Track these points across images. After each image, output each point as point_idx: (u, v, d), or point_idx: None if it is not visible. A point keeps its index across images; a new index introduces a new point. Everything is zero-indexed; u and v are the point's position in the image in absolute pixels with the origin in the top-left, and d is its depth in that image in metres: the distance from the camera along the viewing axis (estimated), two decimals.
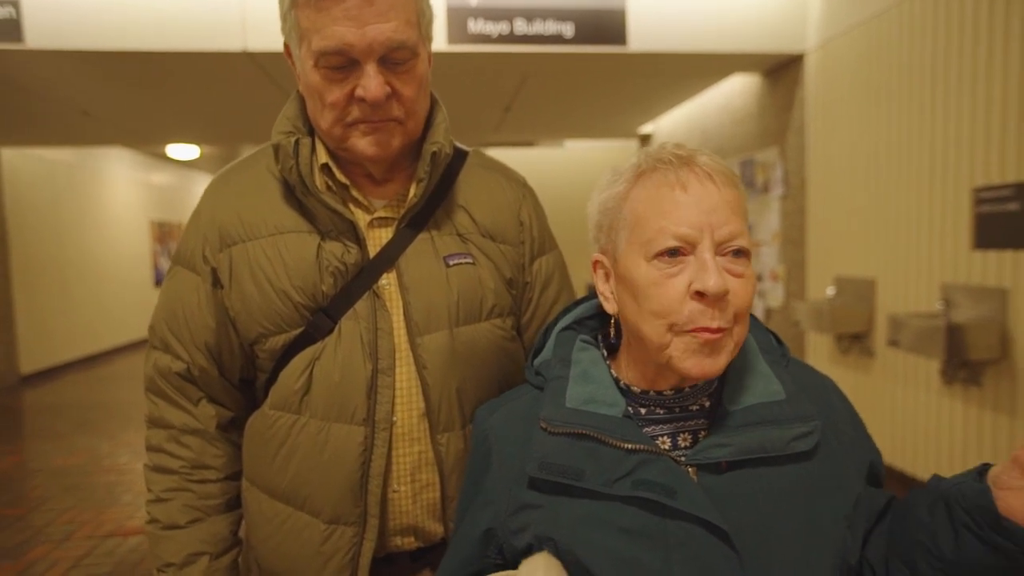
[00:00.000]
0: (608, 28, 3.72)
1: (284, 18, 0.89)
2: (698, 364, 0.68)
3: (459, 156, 1.03)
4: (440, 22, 3.59)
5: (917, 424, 3.13)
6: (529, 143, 8.28)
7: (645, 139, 6.87)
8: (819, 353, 3.95)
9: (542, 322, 1.06)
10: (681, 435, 0.75)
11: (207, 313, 0.96)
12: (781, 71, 4.23)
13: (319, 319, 0.93)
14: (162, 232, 10.89)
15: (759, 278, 4.61)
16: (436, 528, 0.98)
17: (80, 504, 3.68)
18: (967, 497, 0.66)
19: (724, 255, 0.69)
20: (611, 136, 7.11)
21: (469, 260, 0.97)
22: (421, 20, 0.89)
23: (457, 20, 3.61)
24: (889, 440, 3.27)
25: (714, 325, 0.67)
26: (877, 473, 0.81)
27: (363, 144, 0.89)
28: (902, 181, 3.16)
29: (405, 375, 0.94)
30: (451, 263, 0.96)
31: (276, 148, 0.92)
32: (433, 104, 0.98)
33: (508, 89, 4.79)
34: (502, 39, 3.66)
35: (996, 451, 2.69)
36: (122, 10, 3.42)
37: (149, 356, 1.00)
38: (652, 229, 0.69)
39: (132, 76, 4.13)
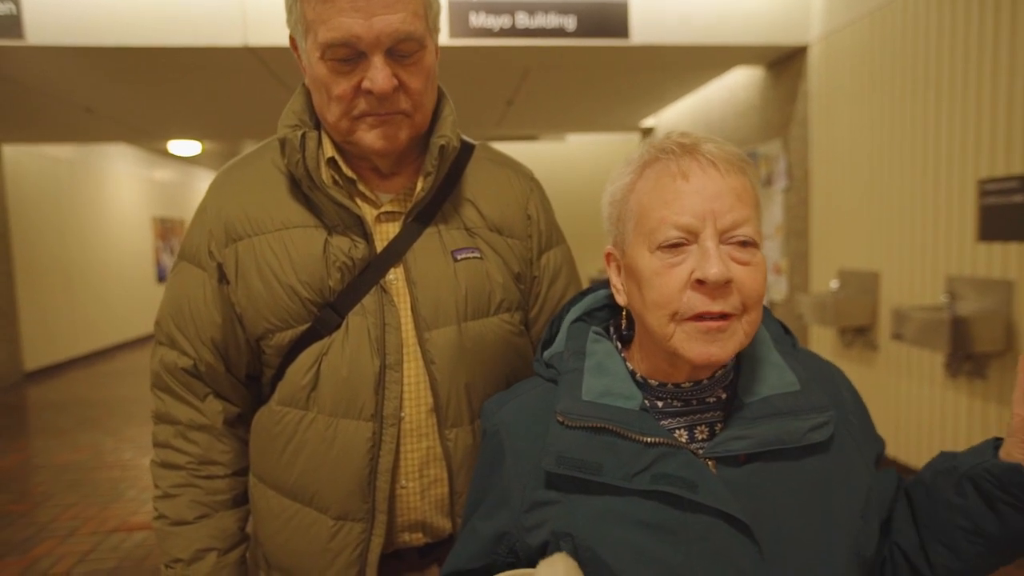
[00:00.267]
0: (610, 21, 3.70)
1: (290, 10, 0.88)
2: (703, 351, 0.68)
3: (466, 150, 1.02)
4: (442, 16, 3.57)
5: (921, 417, 3.13)
6: (532, 137, 8.26)
7: (648, 132, 6.85)
8: (823, 346, 3.95)
9: (550, 316, 1.05)
10: (698, 428, 0.75)
11: (213, 309, 0.95)
12: (784, 63, 4.20)
13: (326, 314, 0.92)
14: (164, 228, 10.89)
15: None
16: (444, 524, 0.98)
17: (84, 500, 3.69)
18: (997, 476, 0.67)
19: (729, 243, 0.68)
20: (614, 130, 7.09)
21: (477, 254, 0.97)
22: (428, 12, 0.88)
23: (459, 14, 3.59)
24: (893, 434, 3.27)
25: (715, 309, 0.67)
26: (878, 463, 0.82)
27: (370, 137, 0.89)
28: (906, 173, 3.15)
29: (413, 370, 0.94)
30: (459, 257, 0.95)
31: (282, 142, 0.92)
32: (440, 97, 0.97)
33: (510, 83, 4.77)
34: (504, 33, 3.64)
35: None
36: (123, 6, 3.41)
37: (155, 352, 1.00)
38: (655, 219, 0.69)
39: (133, 72, 4.11)
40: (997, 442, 0.71)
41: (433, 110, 0.95)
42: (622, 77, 4.74)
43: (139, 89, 4.60)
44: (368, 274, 0.93)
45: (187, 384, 0.98)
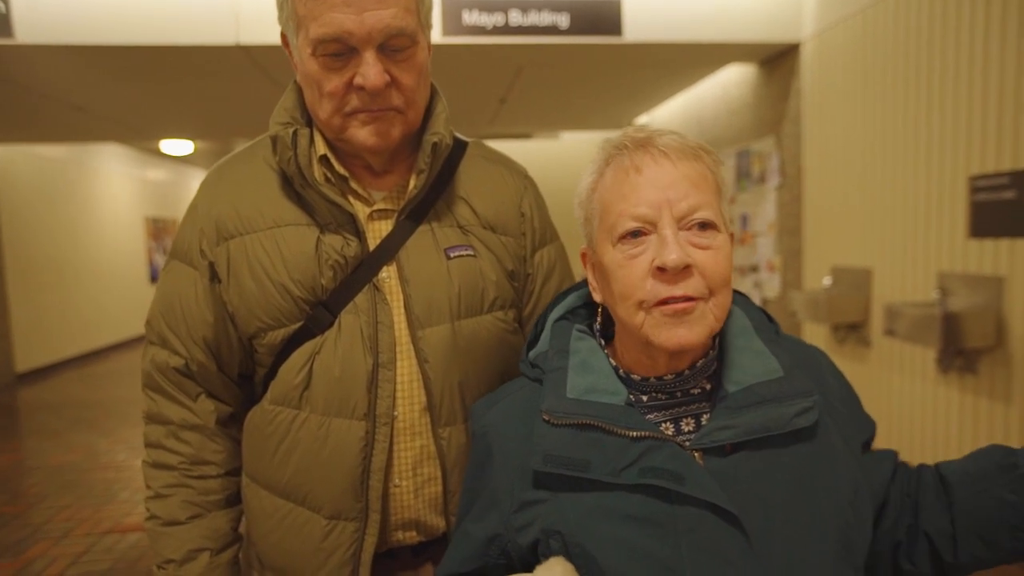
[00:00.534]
0: (603, 19, 3.70)
1: (281, 6, 0.88)
2: (671, 335, 0.69)
3: (459, 147, 1.02)
4: (435, 14, 3.56)
5: (913, 413, 3.15)
6: (525, 135, 8.25)
7: None
8: (816, 343, 3.95)
9: None
10: (684, 420, 0.75)
11: (205, 308, 0.95)
12: (777, 61, 4.21)
13: (319, 313, 0.92)
14: (157, 228, 10.83)
15: (755, 269, 4.62)
16: (438, 522, 0.98)
17: (78, 501, 3.67)
18: None
19: (688, 229, 0.70)
20: (607, 127, 7.08)
21: (470, 252, 0.96)
22: (420, 7, 0.88)
23: (452, 11, 3.59)
24: (886, 429, 3.29)
25: (678, 293, 0.68)
26: (869, 445, 0.82)
27: (363, 134, 0.88)
28: (898, 170, 3.16)
29: (406, 369, 0.94)
30: (452, 255, 0.95)
31: (274, 139, 0.91)
32: (433, 94, 0.97)
33: (503, 81, 4.77)
34: (497, 31, 3.64)
35: (992, 439, 2.70)
36: (114, 4, 3.39)
37: (146, 352, 0.99)
38: (614, 214, 0.72)
39: (125, 71, 4.09)
40: None
41: (426, 107, 0.95)
42: (615, 75, 4.74)
43: (131, 88, 4.57)
44: (361, 272, 0.92)
45: (179, 384, 0.97)
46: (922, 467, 0.83)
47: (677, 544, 0.67)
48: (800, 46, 3.96)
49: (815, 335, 3.98)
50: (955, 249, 2.83)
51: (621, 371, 0.78)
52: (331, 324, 0.92)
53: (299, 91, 0.94)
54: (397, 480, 0.95)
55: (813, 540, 0.69)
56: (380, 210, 0.96)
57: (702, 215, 0.70)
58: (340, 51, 0.83)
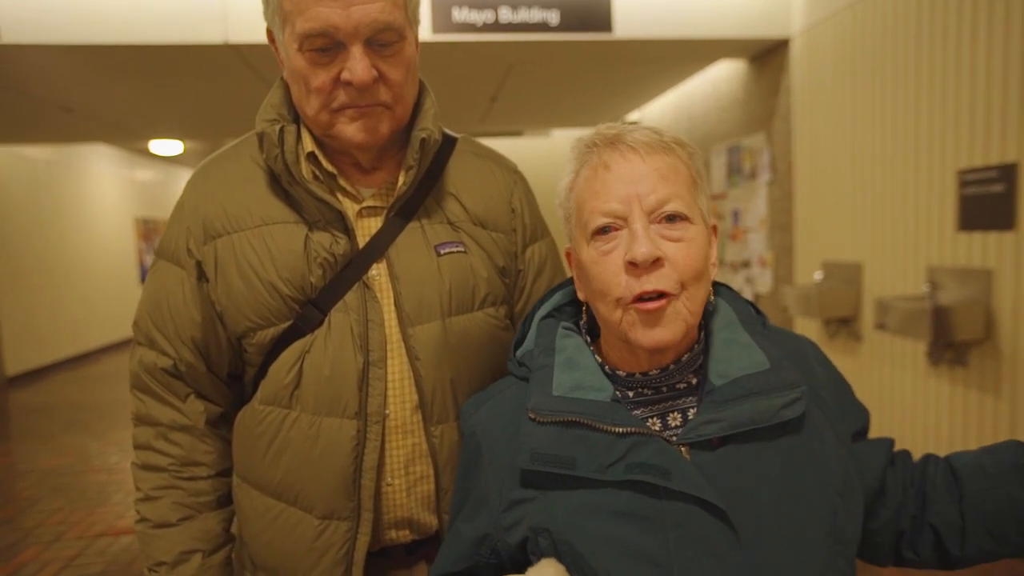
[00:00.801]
0: (593, 15, 3.70)
1: (266, 2, 0.87)
2: (647, 335, 0.69)
3: (448, 143, 1.02)
4: (425, 11, 3.55)
5: (904, 405, 3.17)
6: (516, 133, 8.24)
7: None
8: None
9: None
10: (671, 415, 0.75)
11: (193, 307, 0.94)
12: (767, 56, 4.22)
13: (308, 311, 0.91)
14: (147, 229, 10.76)
15: (746, 264, 4.63)
16: (431, 520, 0.97)
17: (70, 504, 3.65)
18: None
19: (659, 222, 0.70)
20: (598, 125, 7.07)
21: (461, 249, 0.96)
22: (408, 2, 0.87)
23: (442, 9, 3.57)
24: (877, 421, 3.30)
25: (649, 288, 0.68)
26: (864, 434, 0.83)
27: (350, 130, 0.87)
28: (887, 164, 3.18)
29: (397, 367, 0.93)
30: (442, 252, 0.95)
31: (260, 137, 0.90)
32: (421, 90, 0.96)
33: (494, 78, 4.76)
34: (487, 28, 3.62)
35: (982, 431, 2.72)
36: (100, 3, 3.35)
37: (134, 352, 0.98)
38: (587, 212, 0.73)
39: (112, 70, 4.05)
40: None
41: (414, 103, 0.94)
42: (606, 71, 4.74)
43: (119, 88, 4.53)
44: (350, 270, 0.92)
45: (167, 384, 0.96)
46: (928, 458, 0.83)
47: (665, 539, 0.67)
48: (789, 42, 3.97)
49: (807, 330, 4.00)
50: (944, 243, 2.85)
51: (607, 368, 0.78)
52: (321, 323, 0.91)
53: (286, 88, 0.93)
54: (389, 479, 0.94)
55: (802, 532, 0.69)
56: (369, 207, 0.95)
57: (672, 207, 0.70)
58: (327, 46, 0.82)
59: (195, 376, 0.97)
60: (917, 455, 0.85)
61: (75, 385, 7.06)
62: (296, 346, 0.91)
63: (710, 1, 3.78)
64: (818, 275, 3.72)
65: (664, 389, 0.75)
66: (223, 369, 0.98)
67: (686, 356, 0.75)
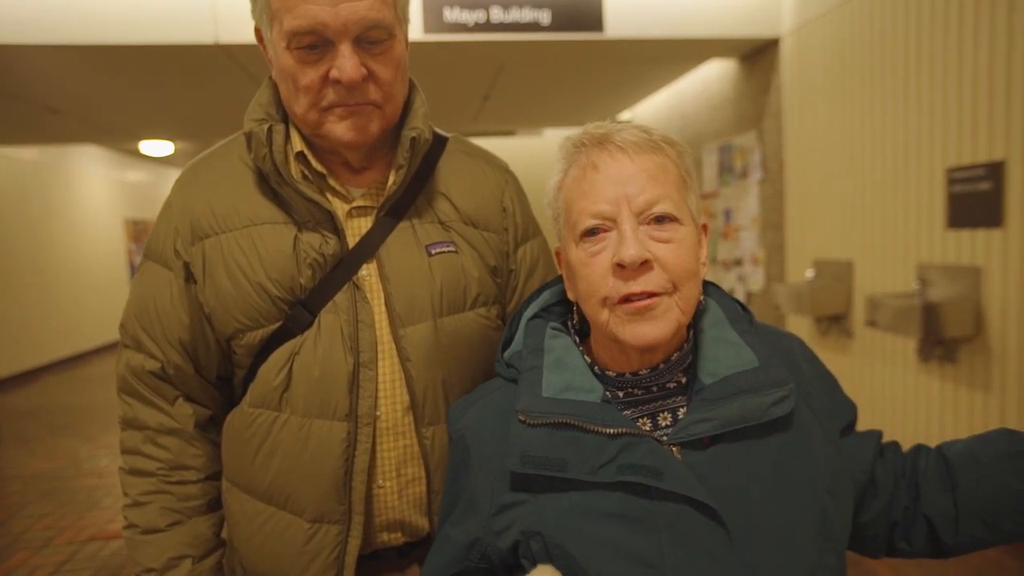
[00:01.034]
0: (585, 15, 3.70)
1: (254, 0, 0.86)
2: (635, 332, 0.69)
3: (439, 142, 1.01)
4: (416, 11, 3.54)
5: (895, 402, 3.19)
6: (509, 132, 8.24)
7: None
8: (799, 335, 3.99)
9: None
10: (661, 414, 0.75)
11: (180, 309, 0.93)
12: (757, 56, 4.24)
13: (298, 312, 0.90)
14: (137, 230, 10.68)
15: (739, 263, 4.65)
16: (423, 523, 0.97)
17: (60, 509, 3.61)
18: None
19: (648, 223, 0.70)
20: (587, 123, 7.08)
21: (452, 248, 0.95)
22: (397, 0, 0.86)
23: (433, 9, 3.56)
24: (868, 417, 3.32)
25: (638, 289, 0.68)
26: (851, 428, 0.83)
27: (340, 129, 0.87)
28: (877, 163, 3.19)
29: (388, 368, 0.92)
30: (433, 252, 0.94)
31: (248, 136, 0.89)
32: (411, 89, 0.95)
33: (486, 78, 4.75)
34: (479, 27, 3.62)
35: (972, 426, 2.74)
36: (88, 2, 3.32)
37: (121, 355, 0.97)
38: (575, 212, 0.72)
39: (101, 71, 4.01)
40: None
41: (404, 102, 0.94)
42: (598, 71, 4.74)
43: (108, 88, 4.49)
44: (340, 271, 0.91)
45: (155, 388, 0.95)
46: (919, 448, 0.83)
47: (657, 540, 0.67)
48: (779, 41, 3.98)
49: (799, 327, 4.02)
50: (934, 240, 2.87)
51: (596, 368, 0.77)
52: (310, 324, 0.90)
53: (275, 87, 0.92)
54: (381, 481, 0.94)
55: (793, 530, 0.69)
56: (359, 207, 0.94)
57: (660, 208, 0.70)
58: (315, 43, 0.82)
59: (183, 379, 0.96)
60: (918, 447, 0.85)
61: (65, 387, 7.00)
62: (285, 348, 0.90)
63: (701, 1, 3.79)
64: (809, 273, 3.74)
65: (654, 389, 0.75)
66: (212, 372, 0.97)
67: (676, 355, 0.75)
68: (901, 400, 3.15)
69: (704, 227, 0.76)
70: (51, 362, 8.05)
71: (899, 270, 3.09)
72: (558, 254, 0.81)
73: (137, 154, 10.02)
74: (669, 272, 0.69)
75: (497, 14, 3.62)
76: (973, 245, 2.66)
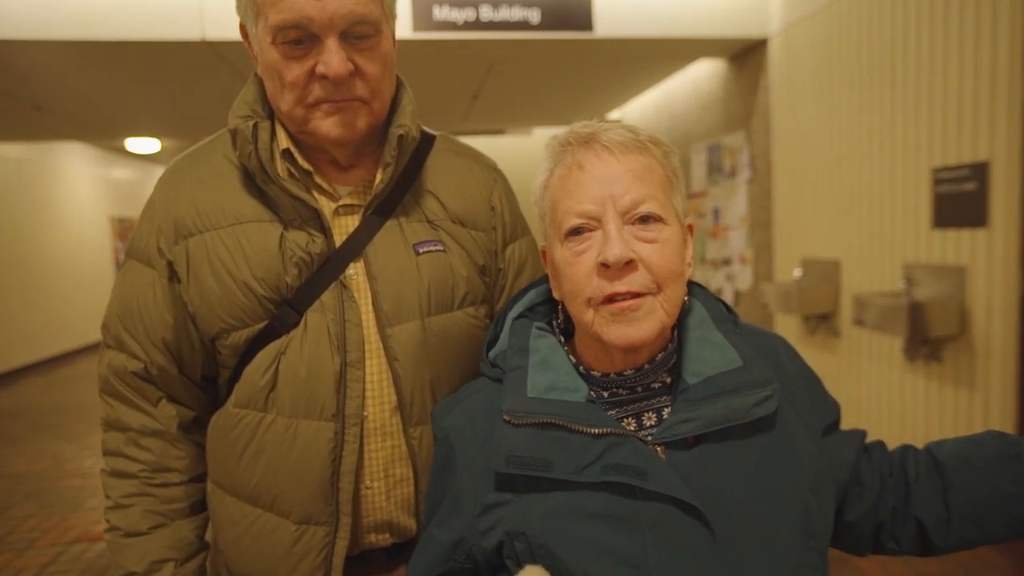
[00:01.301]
0: (574, 14, 3.70)
1: None
2: (619, 333, 0.69)
3: (427, 140, 1.00)
4: (405, 9, 3.52)
5: (881, 400, 3.21)
6: (498, 131, 8.22)
7: None
8: (787, 334, 4.02)
9: None
10: (645, 414, 0.75)
11: (164, 309, 0.91)
12: (746, 56, 4.26)
13: (284, 312, 0.89)
14: (123, 229, 10.57)
15: (727, 262, 4.67)
16: (411, 524, 0.96)
17: (44, 510, 3.57)
18: None
19: (633, 223, 0.70)
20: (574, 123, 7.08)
21: (439, 247, 0.95)
22: None
23: (422, 7, 3.55)
24: (855, 416, 3.35)
25: (622, 289, 0.68)
26: (835, 428, 0.83)
27: (326, 125, 0.86)
28: (864, 163, 3.22)
29: (375, 368, 0.92)
30: (421, 251, 0.93)
31: (233, 133, 0.88)
32: (399, 87, 0.95)
33: (475, 77, 4.74)
34: (468, 26, 3.61)
35: (957, 424, 2.77)
36: None
37: (103, 356, 0.96)
38: (561, 212, 0.72)
39: (87, 67, 3.96)
40: None
41: (392, 100, 0.93)
42: (587, 70, 4.75)
43: (93, 85, 4.43)
44: (327, 269, 0.90)
45: (138, 388, 0.94)
46: (907, 449, 0.83)
47: (642, 540, 0.67)
48: (768, 42, 4.00)
49: (786, 326, 4.04)
50: (920, 240, 2.89)
51: (581, 368, 0.77)
52: (297, 323, 0.89)
53: (260, 84, 0.91)
54: (368, 482, 0.93)
55: (776, 529, 0.69)
56: (346, 205, 0.93)
57: (646, 208, 0.70)
58: (301, 38, 0.81)
59: (167, 379, 0.94)
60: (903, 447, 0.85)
61: (50, 387, 6.91)
62: (271, 347, 0.89)
63: (690, 1, 3.81)
64: (797, 272, 3.76)
65: (639, 389, 0.75)
66: (196, 372, 0.96)
67: (660, 355, 0.75)
68: (887, 398, 3.18)
69: (690, 227, 0.76)
70: (36, 361, 7.95)
71: (886, 269, 3.12)
72: (544, 253, 0.80)
73: (123, 151, 9.91)
74: (653, 272, 0.69)
75: (486, 12, 3.61)
76: (958, 245, 2.69)
